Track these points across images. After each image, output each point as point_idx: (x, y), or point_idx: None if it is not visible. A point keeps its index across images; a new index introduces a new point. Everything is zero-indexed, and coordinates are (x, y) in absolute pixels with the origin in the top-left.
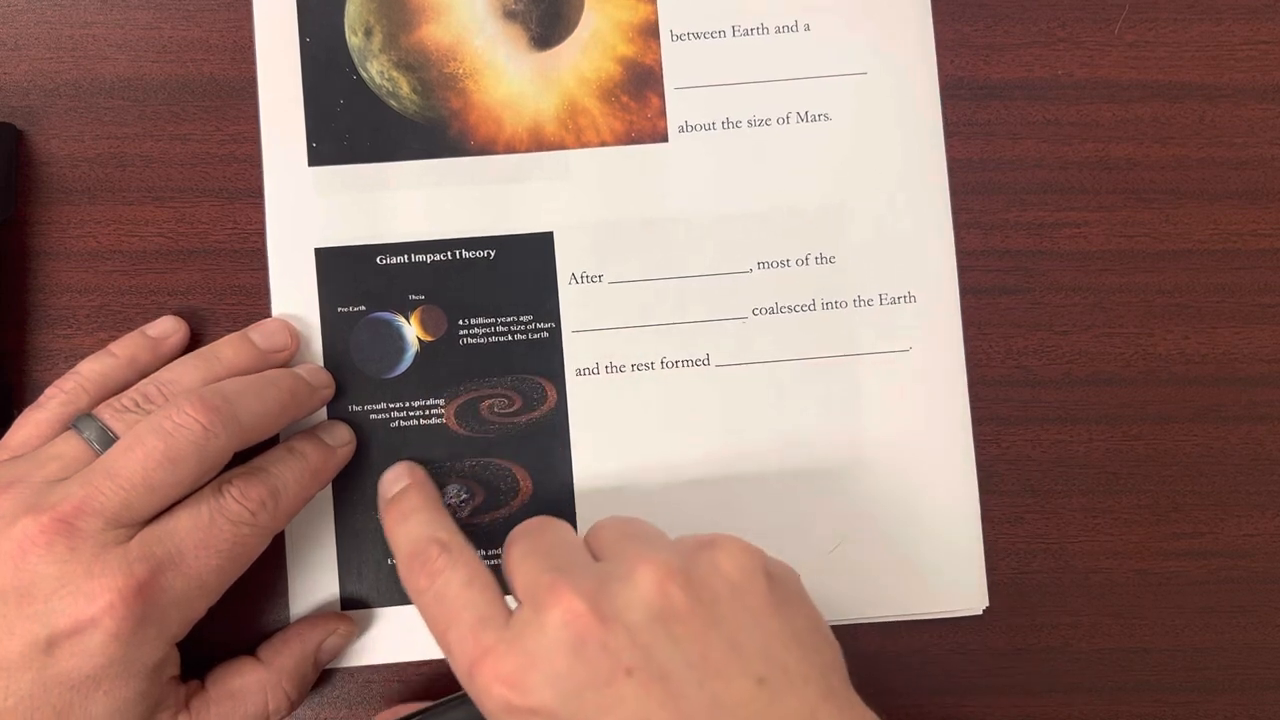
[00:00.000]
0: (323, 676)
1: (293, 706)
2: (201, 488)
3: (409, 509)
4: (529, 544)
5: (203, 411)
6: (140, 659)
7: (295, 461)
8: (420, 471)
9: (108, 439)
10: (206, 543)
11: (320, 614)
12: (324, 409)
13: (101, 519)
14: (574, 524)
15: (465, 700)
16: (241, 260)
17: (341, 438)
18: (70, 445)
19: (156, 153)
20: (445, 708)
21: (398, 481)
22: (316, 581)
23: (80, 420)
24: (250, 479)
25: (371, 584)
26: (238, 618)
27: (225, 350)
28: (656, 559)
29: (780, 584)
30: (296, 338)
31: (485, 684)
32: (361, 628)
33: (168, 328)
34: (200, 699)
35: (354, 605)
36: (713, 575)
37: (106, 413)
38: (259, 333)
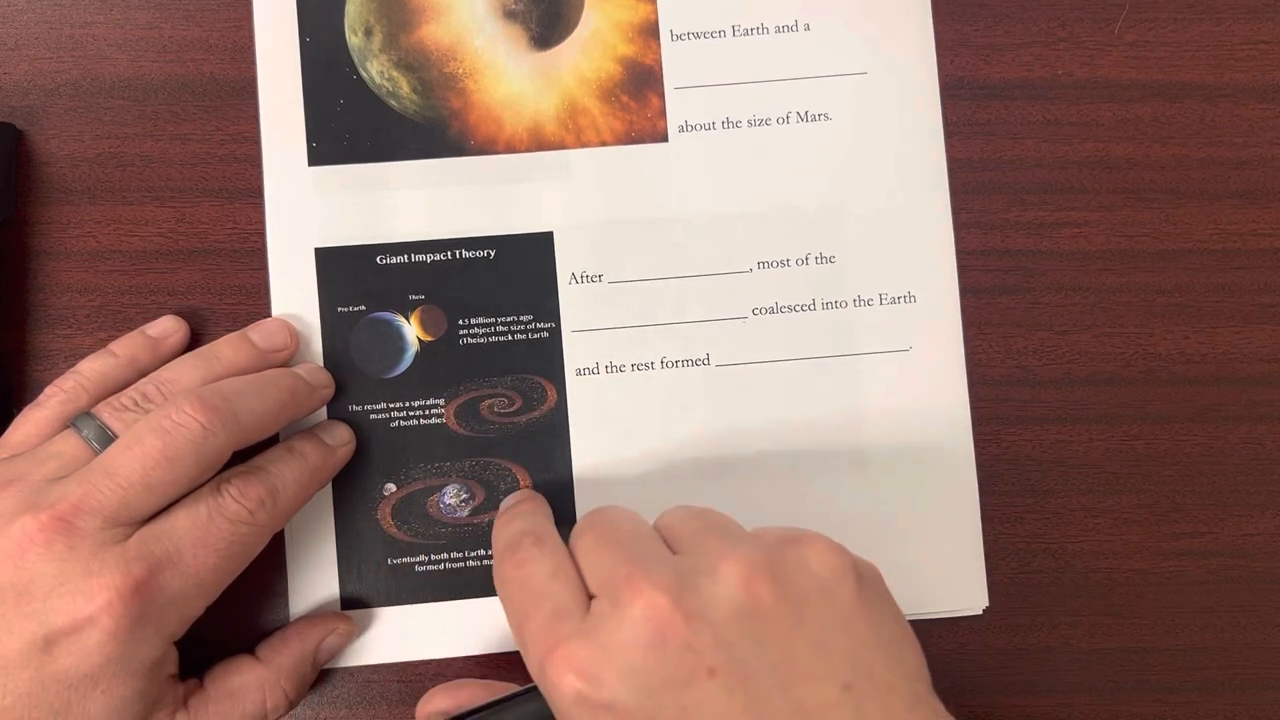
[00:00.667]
0: (322, 676)
1: (291, 705)
2: (200, 487)
3: (517, 513)
4: (600, 533)
5: (201, 411)
6: (138, 657)
7: (294, 461)
8: (538, 495)
9: (107, 438)
10: (204, 541)
11: (320, 613)
12: (324, 408)
13: (100, 517)
14: (574, 522)
15: (535, 695)
16: (241, 260)
17: (341, 437)
18: (69, 444)
19: (156, 153)
20: (515, 703)
21: (516, 499)
22: (316, 581)
23: (79, 419)
24: (249, 478)
25: (371, 584)
26: (237, 617)
27: (225, 350)
28: (742, 555)
29: (868, 586)
30: (296, 337)
31: (557, 675)
32: (361, 627)
33: (168, 327)
34: (199, 697)
35: (354, 605)
36: (801, 574)
37: (105, 411)
38: (258, 332)
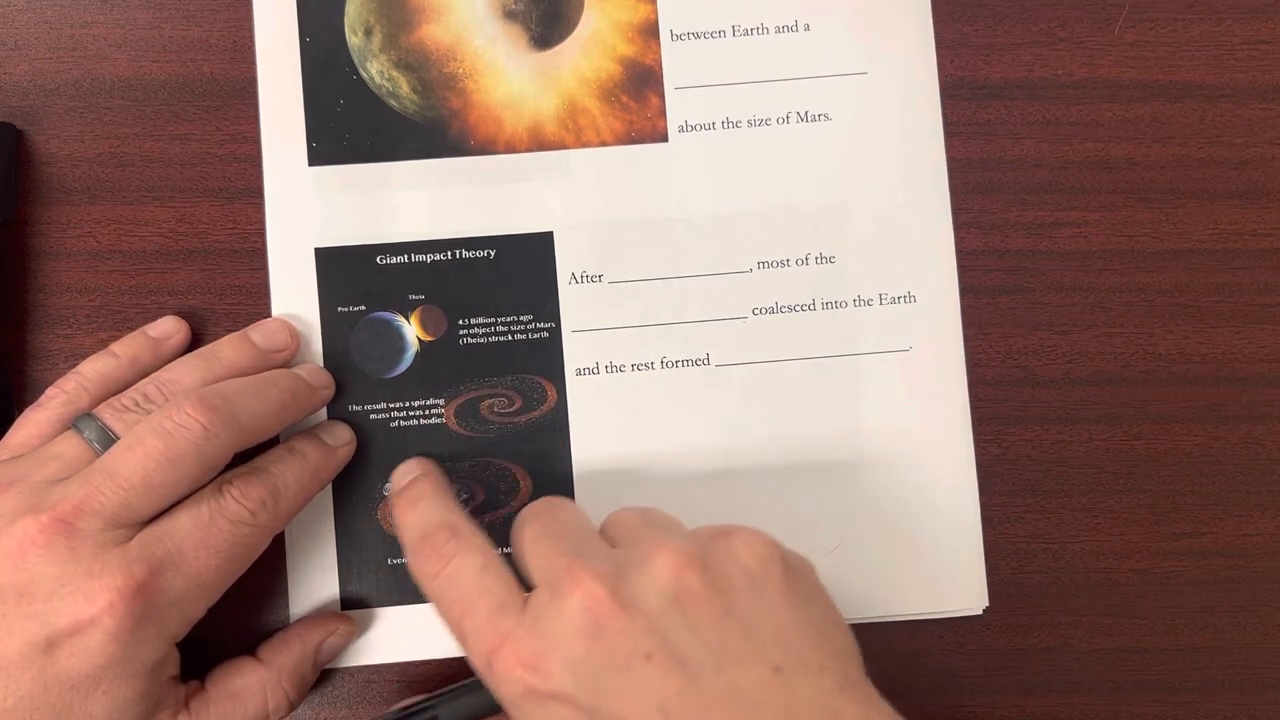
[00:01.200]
0: (323, 676)
1: (292, 706)
2: (202, 488)
3: (418, 495)
4: (541, 525)
5: (202, 411)
6: (140, 659)
7: (295, 461)
8: (430, 464)
9: (108, 439)
10: (206, 543)
11: (320, 614)
12: (324, 409)
13: (101, 519)
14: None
15: (478, 686)
16: (241, 260)
17: (342, 438)
18: (70, 445)
19: (156, 153)
20: (458, 693)
21: (408, 474)
22: (316, 581)
23: (80, 420)
24: (250, 479)
25: (371, 584)
26: (238, 618)
27: (225, 350)
28: (673, 545)
29: (796, 574)
30: (296, 337)
31: (505, 669)
32: (361, 628)
33: (169, 328)
34: (200, 699)
35: (354, 605)
36: (729, 563)
37: (106, 412)
38: (259, 332)
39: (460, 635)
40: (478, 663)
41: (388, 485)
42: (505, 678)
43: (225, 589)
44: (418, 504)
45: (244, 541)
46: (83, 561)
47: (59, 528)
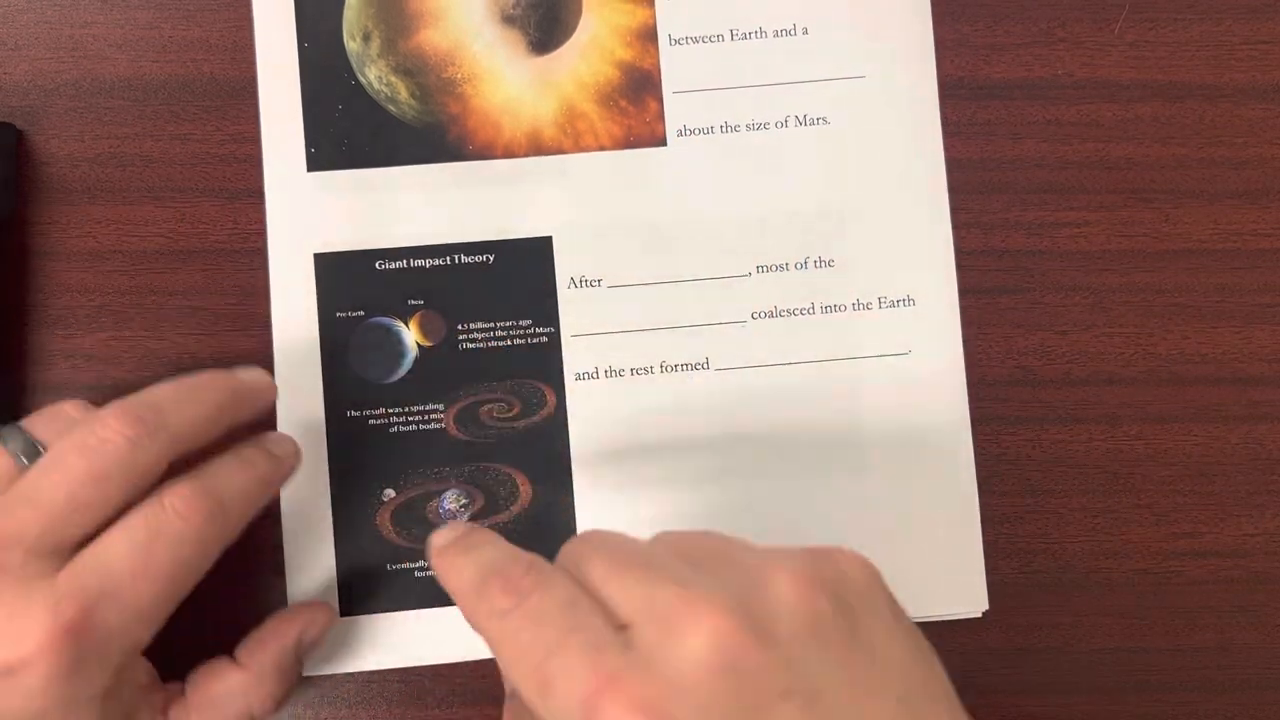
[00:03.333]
0: (323, 679)
1: (278, 704)
2: (140, 503)
3: (474, 542)
4: (611, 558)
5: (127, 423)
6: (85, 691)
7: (245, 471)
8: (476, 525)
9: (35, 452)
10: (145, 570)
11: (295, 606)
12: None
13: (21, 549)
14: (574, 529)
15: None
16: (241, 260)
17: (287, 448)
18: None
19: (156, 153)
20: None
21: (451, 531)
22: (315, 587)
23: (4, 431)
24: (195, 490)
25: (371, 589)
26: (235, 625)
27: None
28: (788, 565)
29: (894, 596)
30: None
31: (615, 716)
32: (361, 633)
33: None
34: (179, 706)
35: (353, 611)
36: (842, 583)
37: (38, 423)
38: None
39: (542, 681)
40: (566, 709)
41: (389, 492)
42: None
43: (169, 613)
44: (476, 548)
45: (185, 563)
46: (5, 600)
47: None
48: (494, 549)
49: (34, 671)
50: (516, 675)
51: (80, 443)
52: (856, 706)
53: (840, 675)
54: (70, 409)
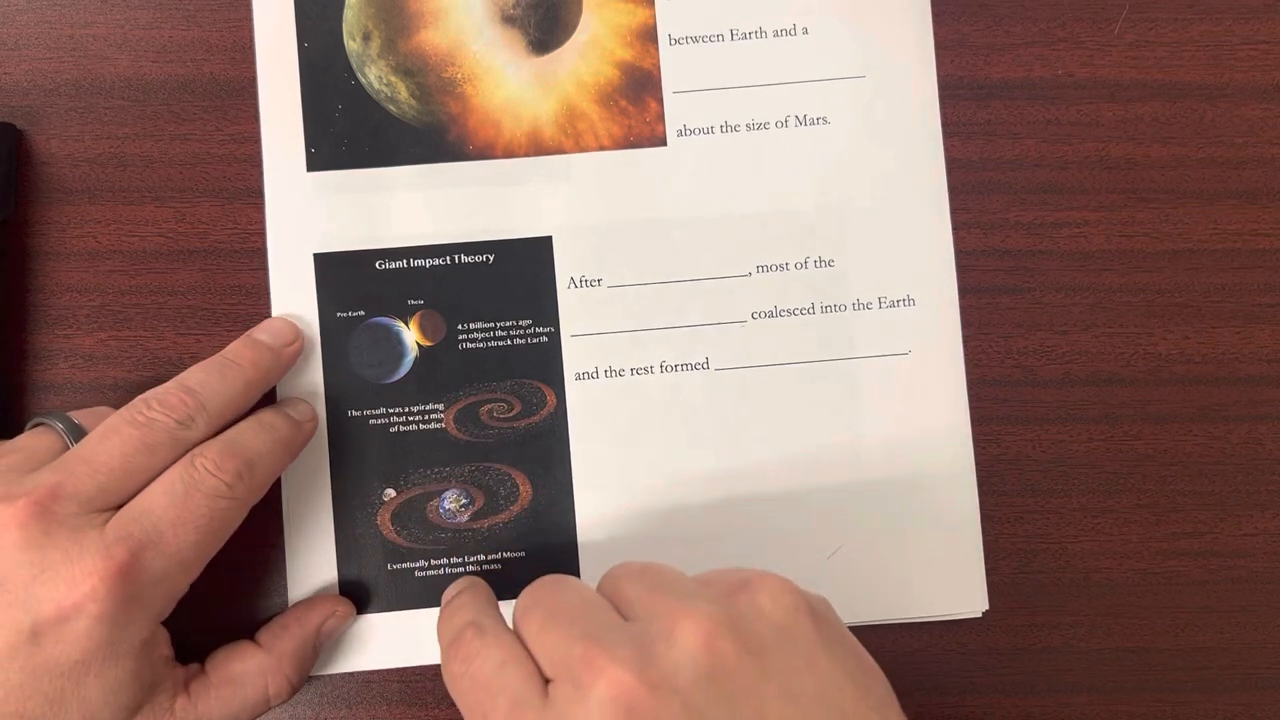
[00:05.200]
0: (323, 678)
1: (293, 690)
2: (173, 464)
3: (458, 605)
4: (545, 613)
5: (170, 408)
6: (128, 639)
7: (266, 433)
8: (478, 580)
9: (80, 433)
10: (184, 519)
11: (319, 596)
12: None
13: (76, 503)
14: (574, 529)
15: None
16: (241, 260)
17: (306, 413)
18: (40, 438)
19: (156, 153)
20: None
21: (455, 587)
22: (316, 587)
23: (54, 415)
24: (224, 451)
25: (371, 589)
26: (238, 622)
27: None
28: (695, 611)
29: (823, 621)
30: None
31: None
32: (362, 632)
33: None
34: (200, 682)
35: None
36: (757, 620)
37: (80, 414)
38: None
39: None
40: None
41: (389, 491)
42: None
43: (206, 563)
44: (456, 612)
45: (221, 514)
46: (60, 546)
47: (34, 511)
48: (465, 613)
49: (84, 614)
50: None
51: (131, 418)
52: None
53: (747, 713)
54: (108, 410)
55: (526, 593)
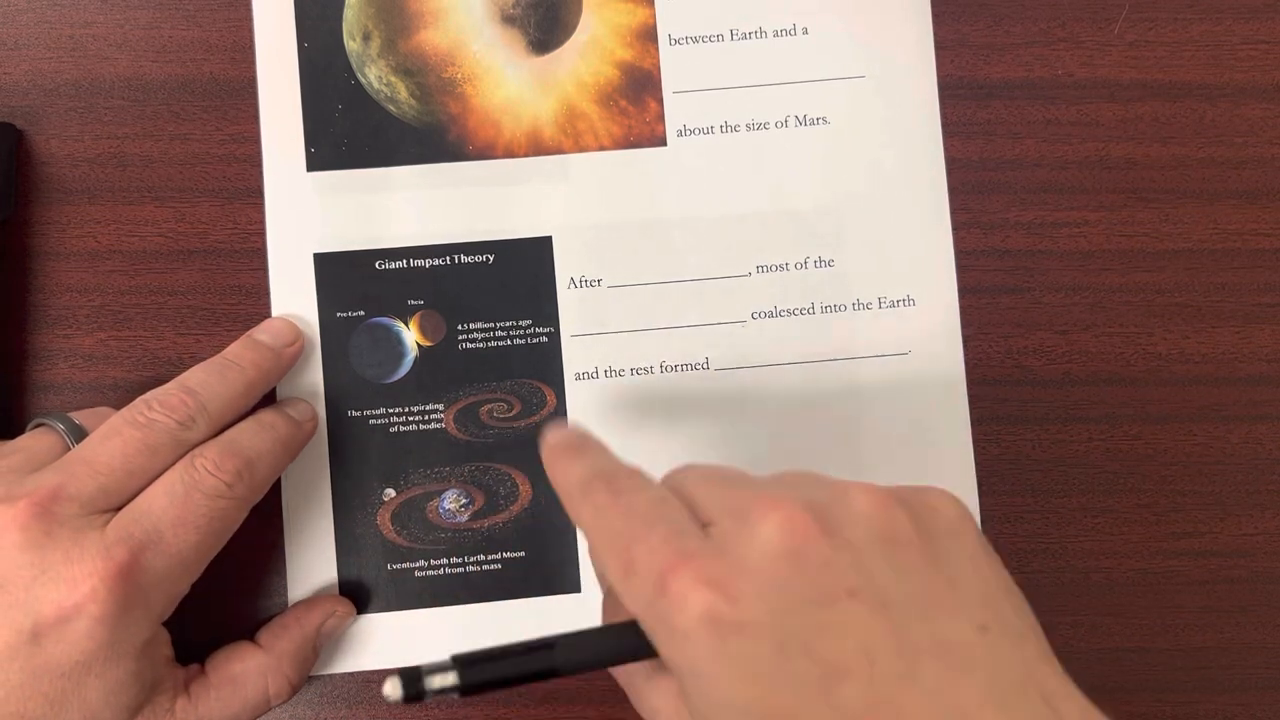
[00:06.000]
0: (323, 677)
1: (294, 690)
2: (172, 465)
3: (585, 447)
4: (705, 471)
5: (171, 409)
6: (128, 640)
7: (266, 433)
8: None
9: (81, 434)
10: (184, 520)
11: (318, 596)
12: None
13: (77, 504)
14: (574, 528)
15: (632, 628)
16: (241, 260)
17: (306, 413)
18: (40, 439)
19: (156, 153)
20: (585, 634)
21: (568, 430)
22: (316, 587)
23: (54, 416)
24: (224, 451)
25: (371, 589)
26: (238, 622)
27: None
28: (869, 485)
29: (984, 537)
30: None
31: (684, 589)
32: (361, 633)
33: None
34: (200, 683)
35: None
36: (929, 512)
37: (81, 415)
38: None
39: (627, 563)
40: (644, 588)
41: (389, 491)
42: (682, 602)
43: (206, 563)
44: (586, 453)
45: (221, 515)
46: (60, 547)
47: (35, 511)
48: (602, 456)
49: (84, 615)
50: (607, 559)
51: (132, 419)
52: (929, 623)
53: (913, 590)
54: (109, 410)
55: (679, 467)
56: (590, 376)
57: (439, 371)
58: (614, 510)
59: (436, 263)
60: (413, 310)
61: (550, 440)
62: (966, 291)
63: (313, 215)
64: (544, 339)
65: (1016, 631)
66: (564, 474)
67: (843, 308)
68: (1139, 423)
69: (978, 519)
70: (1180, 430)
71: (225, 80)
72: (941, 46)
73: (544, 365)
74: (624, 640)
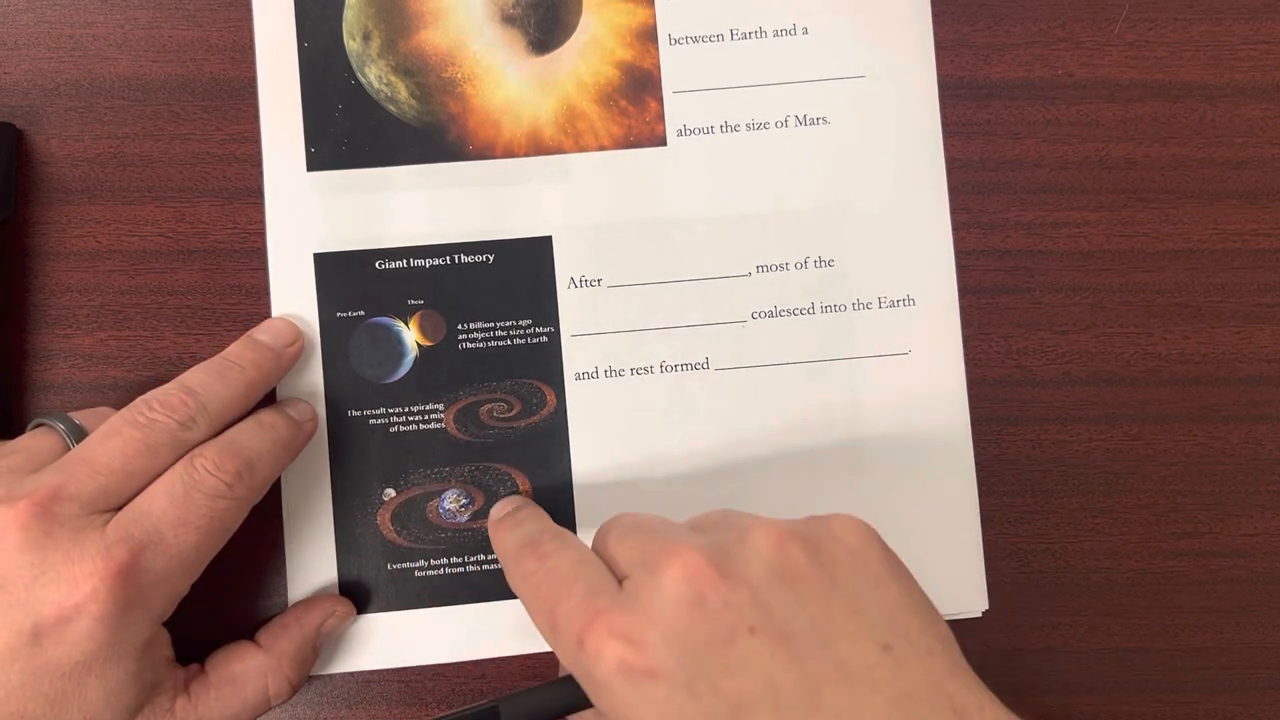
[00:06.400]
0: (323, 678)
1: (294, 690)
2: (172, 465)
3: (521, 518)
4: (624, 526)
5: (171, 409)
6: (129, 640)
7: (266, 433)
8: (529, 499)
9: (81, 434)
10: (184, 520)
11: (318, 596)
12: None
13: (77, 504)
14: (573, 528)
15: (549, 686)
16: (241, 260)
17: (306, 413)
18: (40, 439)
19: (156, 153)
20: (526, 692)
21: (508, 504)
22: (316, 586)
23: (54, 416)
24: (224, 451)
25: (371, 589)
26: (238, 622)
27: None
28: (770, 523)
29: (893, 557)
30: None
31: (598, 644)
32: (361, 632)
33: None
34: (200, 682)
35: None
36: (830, 540)
37: (81, 415)
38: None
39: (552, 624)
40: (568, 645)
41: (389, 491)
42: (598, 656)
43: (206, 563)
44: (522, 523)
45: (221, 515)
46: (61, 547)
47: (35, 511)
48: (533, 524)
49: (85, 615)
50: (537, 620)
51: (133, 419)
52: (830, 650)
53: (814, 619)
54: (109, 410)
55: (608, 521)
56: (590, 376)
57: (439, 371)
58: (539, 575)
59: (436, 263)
60: (413, 310)
61: (493, 514)
62: (966, 291)
63: (313, 215)
64: (544, 339)
65: (923, 647)
66: (500, 545)
67: (843, 308)
68: (1139, 423)
69: (977, 520)
70: (1180, 430)
71: (225, 80)
72: (941, 46)
73: (544, 365)
74: (563, 695)
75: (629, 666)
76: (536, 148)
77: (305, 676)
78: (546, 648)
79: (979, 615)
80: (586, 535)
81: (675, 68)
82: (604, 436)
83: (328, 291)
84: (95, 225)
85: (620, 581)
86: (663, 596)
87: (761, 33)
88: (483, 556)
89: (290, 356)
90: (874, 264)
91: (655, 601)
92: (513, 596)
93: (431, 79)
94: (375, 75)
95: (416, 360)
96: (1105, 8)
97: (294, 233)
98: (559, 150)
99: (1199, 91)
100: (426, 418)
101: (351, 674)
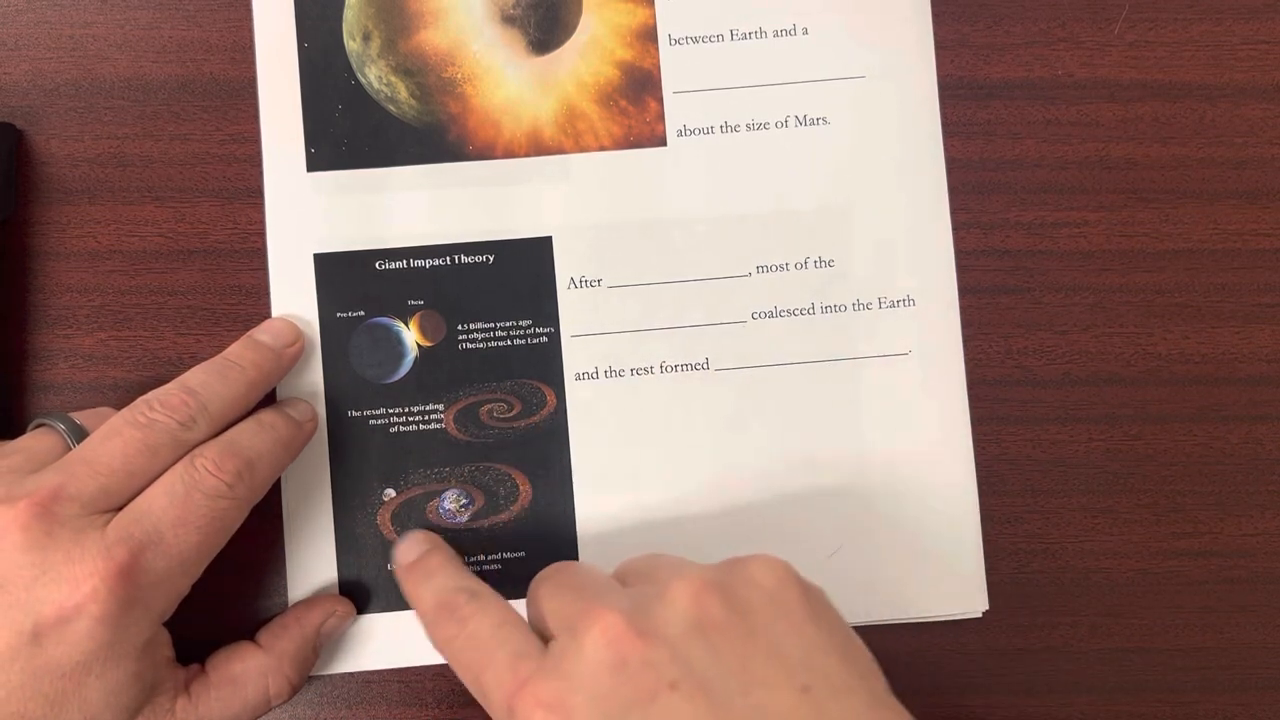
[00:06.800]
0: (323, 678)
1: (294, 690)
2: (173, 465)
3: (431, 568)
4: (554, 582)
5: (172, 409)
6: (129, 640)
7: (266, 433)
8: (436, 537)
9: (82, 434)
10: (184, 520)
11: (318, 596)
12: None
13: (78, 504)
14: (574, 529)
15: None
16: (241, 260)
17: (306, 413)
18: (41, 440)
19: (156, 153)
20: None
21: (415, 548)
22: (316, 587)
23: (54, 416)
24: (224, 451)
25: (371, 589)
26: (238, 622)
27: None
28: (688, 574)
29: (813, 595)
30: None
31: (526, 713)
32: (361, 633)
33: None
34: (200, 682)
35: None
36: (747, 586)
37: (82, 415)
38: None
39: (481, 692)
40: (498, 711)
41: (389, 491)
42: None
43: (206, 563)
44: (432, 575)
45: (222, 515)
46: (61, 547)
47: (36, 511)
48: (444, 577)
49: (85, 616)
50: (466, 683)
51: (133, 419)
52: (748, 697)
53: (731, 668)
54: (109, 410)
55: (541, 573)
56: (590, 376)
57: (439, 371)
58: (460, 640)
59: (436, 263)
60: (413, 310)
61: (398, 556)
62: (966, 291)
63: (313, 215)
64: (544, 339)
65: (842, 685)
66: (415, 600)
67: (843, 308)
68: (1139, 423)
69: (977, 519)
70: (1180, 430)
71: (225, 80)
72: (941, 46)
73: (544, 365)
74: None
75: None
76: (536, 148)
77: (305, 677)
78: None
79: (979, 615)
80: (587, 537)
81: (675, 68)
82: (604, 437)
83: (328, 292)
84: (95, 225)
85: (547, 642)
86: (585, 661)
87: (761, 33)
88: (483, 557)
89: (290, 357)
90: (874, 264)
91: (578, 666)
92: (512, 597)
93: (431, 79)
94: (375, 75)
95: (416, 360)
96: (1105, 8)
97: (294, 233)
98: (559, 150)
99: (1199, 91)
100: (426, 418)
101: (351, 674)
